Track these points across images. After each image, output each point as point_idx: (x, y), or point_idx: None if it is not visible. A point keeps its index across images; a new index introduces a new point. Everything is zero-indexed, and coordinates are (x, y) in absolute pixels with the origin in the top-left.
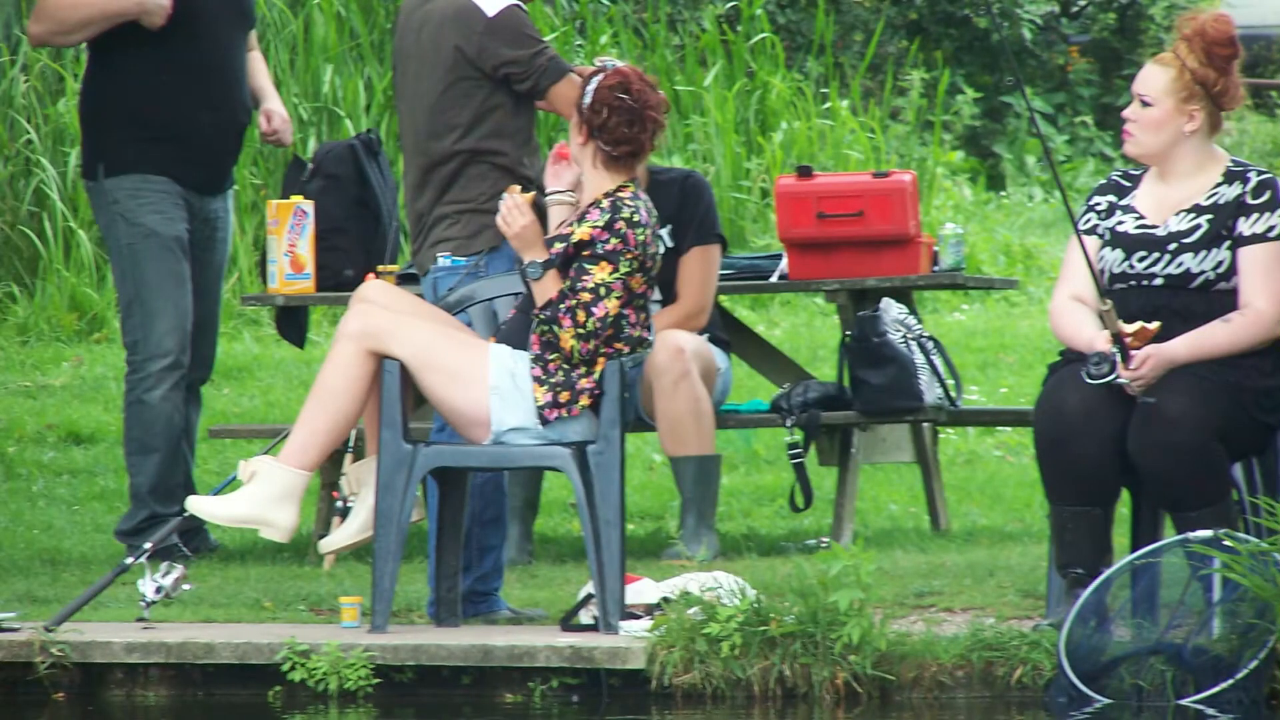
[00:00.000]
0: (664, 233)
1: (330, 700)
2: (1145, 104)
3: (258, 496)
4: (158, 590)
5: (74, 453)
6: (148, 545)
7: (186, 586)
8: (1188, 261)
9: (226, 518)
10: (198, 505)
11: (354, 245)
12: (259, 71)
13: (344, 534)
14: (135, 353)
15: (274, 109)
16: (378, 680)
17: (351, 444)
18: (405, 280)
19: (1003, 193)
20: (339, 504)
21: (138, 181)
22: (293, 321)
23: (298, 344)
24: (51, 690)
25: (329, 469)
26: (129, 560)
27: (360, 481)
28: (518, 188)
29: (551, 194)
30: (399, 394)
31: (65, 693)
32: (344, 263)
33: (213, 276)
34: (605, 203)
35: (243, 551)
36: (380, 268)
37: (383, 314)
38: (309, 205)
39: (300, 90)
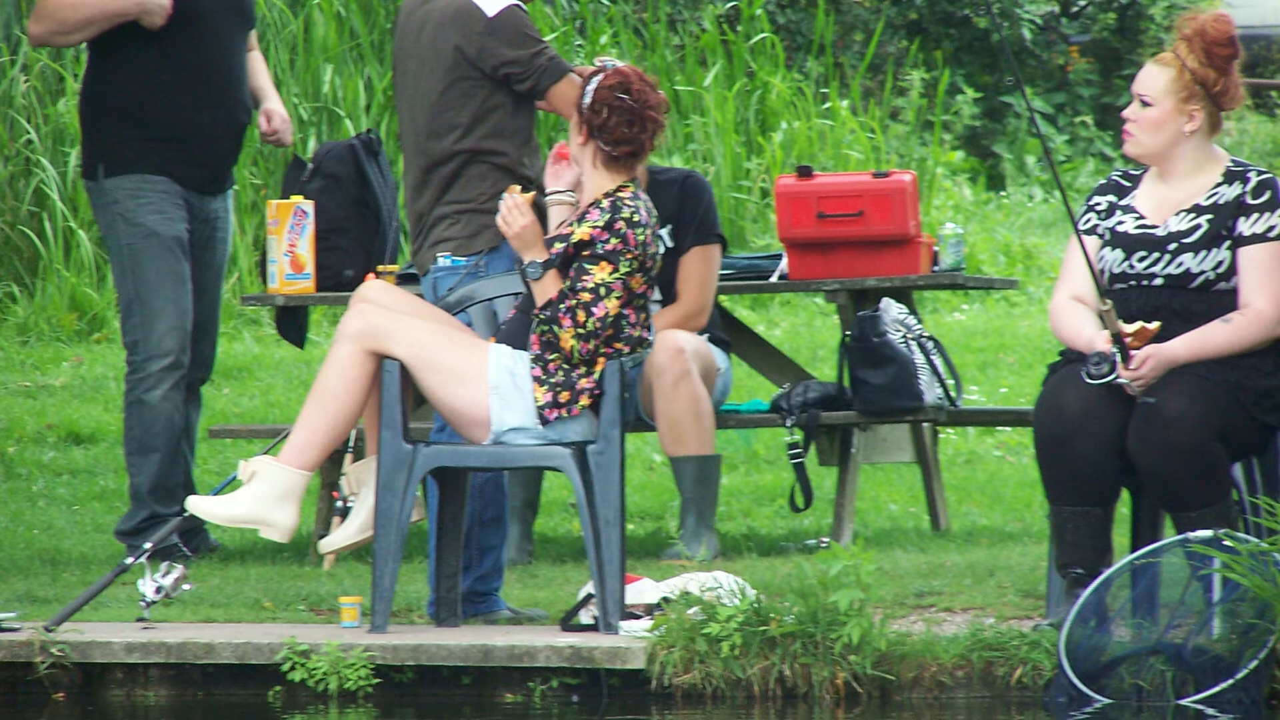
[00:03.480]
0: (664, 233)
1: (330, 700)
2: (1145, 104)
3: (258, 496)
4: (158, 590)
5: (74, 453)
6: (148, 545)
7: (186, 586)
8: (1188, 261)
9: (226, 518)
10: (198, 505)
11: (354, 245)
12: (259, 71)
13: (344, 534)
14: (135, 353)
15: (274, 109)
16: (378, 680)
17: (351, 444)
18: (405, 280)
19: (1003, 193)
20: (339, 504)
21: (138, 181)
22: (293, 321)
23: (298, 344)
24: (51, 690)
25: (329, 469)
26: (129, 560)
27: (360, 481)
28: (518, 188)
29: (551, 194)
30: (399, 394)
31: (65, 693)
32: (344, 263)
33: (213, 276)
34: (605, 203)
35: (243, 551)
36: (380, 268)
37: (382, 314)
38: (309, 205)
39: (300, 90)
